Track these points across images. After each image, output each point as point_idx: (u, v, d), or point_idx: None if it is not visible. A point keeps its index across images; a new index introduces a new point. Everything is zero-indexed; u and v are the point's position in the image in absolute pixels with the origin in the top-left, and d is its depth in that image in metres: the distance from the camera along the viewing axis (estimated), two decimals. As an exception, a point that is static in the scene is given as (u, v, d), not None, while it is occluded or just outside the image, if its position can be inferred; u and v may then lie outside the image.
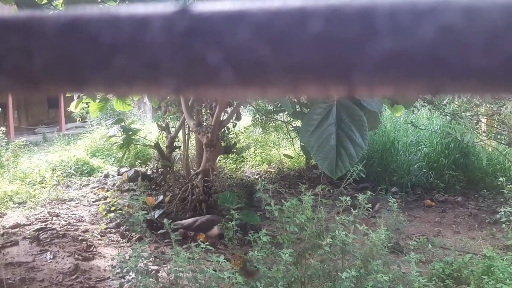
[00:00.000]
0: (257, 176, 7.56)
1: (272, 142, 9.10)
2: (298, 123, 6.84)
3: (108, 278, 3.86)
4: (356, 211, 3.32)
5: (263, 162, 8.26)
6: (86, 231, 5.00)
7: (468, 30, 0.20)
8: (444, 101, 6.81)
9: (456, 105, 6.77)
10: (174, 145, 6.51)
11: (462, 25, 0.20)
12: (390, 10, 0.21)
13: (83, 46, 0.23)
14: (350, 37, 0.21)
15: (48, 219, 5.32)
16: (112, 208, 5.62)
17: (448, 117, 7.10)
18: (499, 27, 0.20)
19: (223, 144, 6.02)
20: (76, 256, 4.25)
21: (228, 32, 0.22)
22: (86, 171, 7.84)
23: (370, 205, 3.44)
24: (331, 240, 3.05)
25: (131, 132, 6.50)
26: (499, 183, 5.30)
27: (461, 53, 0.20)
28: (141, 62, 0.23)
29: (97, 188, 6.92)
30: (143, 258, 3.03)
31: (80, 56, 0.23)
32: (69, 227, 5.09)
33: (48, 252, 4.31)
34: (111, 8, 0.24)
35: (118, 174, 7.34)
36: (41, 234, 4.77)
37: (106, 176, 7.60)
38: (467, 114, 6.64)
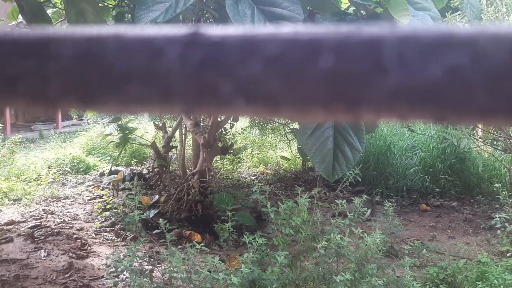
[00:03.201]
0: (253, 178, 7.56)
1: (269, 144, 9.10)
2: (296, 125, 6.84)
3: (102, 277, 3.86)
4: (351, 214, 3.33)
5: (260, 164, 8.26)
6: (80, 229, 4.99)
7: (473, 70, 0.21)
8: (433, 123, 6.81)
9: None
10: (171, 145, 6.50)
11: (468, 65, 0.21)
12: (397, 47, 0.21)
13: (98, 72, 0.24)
14: (359, 72, 0.22)
15: (43, 217, 5.31)
16: (107, 207, 5.61)
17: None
18: (502, 68, 0.21)
19: (220, 144, 6.02)
20: (70, 254, 4.25)
21: (241, 65, 0.23)
22: (81, 169, 7.82)
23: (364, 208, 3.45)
24: (326, 243, 3.06)
25: (127, 131, 6.48)
26: (494, 189, 5.32)
27: (465, 92, 0.21)
28: (154, 89, 0.23)
29: (92, 187, 6.90)
30: (137, 258, 3.03)
31: (95, 81, 0.24)
32: (63, 225, 5.08)
33: (42, 250, 4.31)
34: (127, 31, 0.24)
35: (114, 173, 7.33)
36: (35, 232, 4.76)
37: (102, 174, 7.58)
38: (464, 120, 6.65)
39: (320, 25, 0.22)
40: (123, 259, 3.10)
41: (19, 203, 5.86)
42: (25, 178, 6.96)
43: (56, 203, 5.98)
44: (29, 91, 0.24)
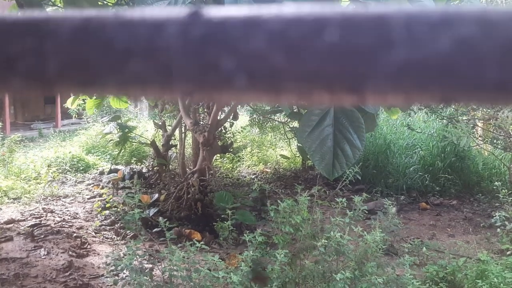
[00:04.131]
0: (253, 176, 7.55)
1: (269, 142, 9.10)
2: (295, 123, 6.84)
3: (102, 275, 3.85)
4: (351, 212, 3.32)
5: (260, 162, 8.26)
6: (80, 228, 4.99)
7: (483, 43, 0.20)
8: (441, 105, 6.82)
9: (453, 109, 6.80)
10: (171, 143, 6.49)
11: (478, 38, 0.20)
12: (406, 21, 0.21)
13: (97, 50, 0.23)
14: (365, 47, 0.21)
15: (42, 215, 5.31)
16: (107, 206, 5.61)
17: (444, 120, 7.12)
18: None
19: (219, 143, 6.01)
20: (70, 252, 4.24)
21: (243, 40, 0.22)
22: (81, 168, 7.82)
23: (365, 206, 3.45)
24: (326, 241, 3.06)
25: (127, 130, 6.48)
26: (494, 187, 5.31)
27: (476, 66, 0.20)
28: (155, 67, 0.23)
29: (92, 185, 6.90)
30: (137, 256, 3.03)
31: (94, 59, 0.23)
32: (63, 223, 5.08)
33: (42, 248, 4.30)
34: (126, 11, 0.24)
35: (114, 172, 7.32)
36: (35, 230, 4.75)
37: (102, 173, 7.58)
38: (464, 118, 6.66)
39: (325, 4, 0.22)
40: (123, 257, 3.09)
41: (19, 202, 5.85)
42: (25, 177, 6.96)
43: (56, 202, 5.98)
44: (27, 70, 0.24)
